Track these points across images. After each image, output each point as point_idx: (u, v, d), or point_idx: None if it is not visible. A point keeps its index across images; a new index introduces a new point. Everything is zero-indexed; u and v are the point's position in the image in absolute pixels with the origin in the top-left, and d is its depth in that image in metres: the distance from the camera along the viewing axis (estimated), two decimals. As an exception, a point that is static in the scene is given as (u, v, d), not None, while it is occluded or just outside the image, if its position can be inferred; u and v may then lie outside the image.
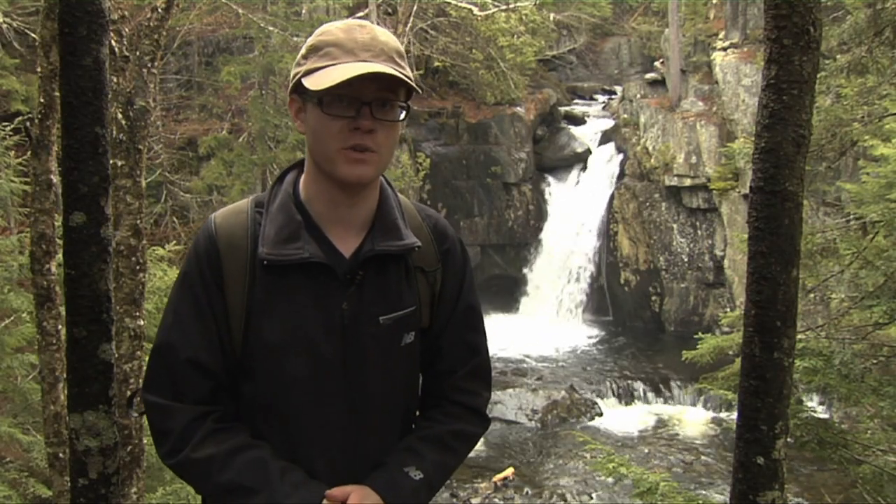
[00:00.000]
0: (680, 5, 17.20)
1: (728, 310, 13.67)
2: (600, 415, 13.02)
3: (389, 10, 17.39)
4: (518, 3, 17.11)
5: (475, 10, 16.91)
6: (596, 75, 22.89)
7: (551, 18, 19.92)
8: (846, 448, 4.44)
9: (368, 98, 1.43)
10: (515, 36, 17.89)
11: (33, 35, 10.54)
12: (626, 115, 18.13)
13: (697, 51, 17.30)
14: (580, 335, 16.56)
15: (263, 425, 1.52)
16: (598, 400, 13.40)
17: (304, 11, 15.99)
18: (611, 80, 22.21)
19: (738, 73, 15.58)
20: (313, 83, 1.43)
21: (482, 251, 18.00)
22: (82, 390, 1.66)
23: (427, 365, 1.66)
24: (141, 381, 3.78)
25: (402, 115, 1.50)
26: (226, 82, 15.68)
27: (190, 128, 16.83)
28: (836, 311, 5.56)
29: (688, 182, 16.24)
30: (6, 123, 7.79)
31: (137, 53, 4.15)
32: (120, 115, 4.06)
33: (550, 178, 18.43)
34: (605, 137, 18.41)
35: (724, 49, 16.16)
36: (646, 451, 11.64)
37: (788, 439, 1.86)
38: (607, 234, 17.34)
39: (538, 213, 18.18)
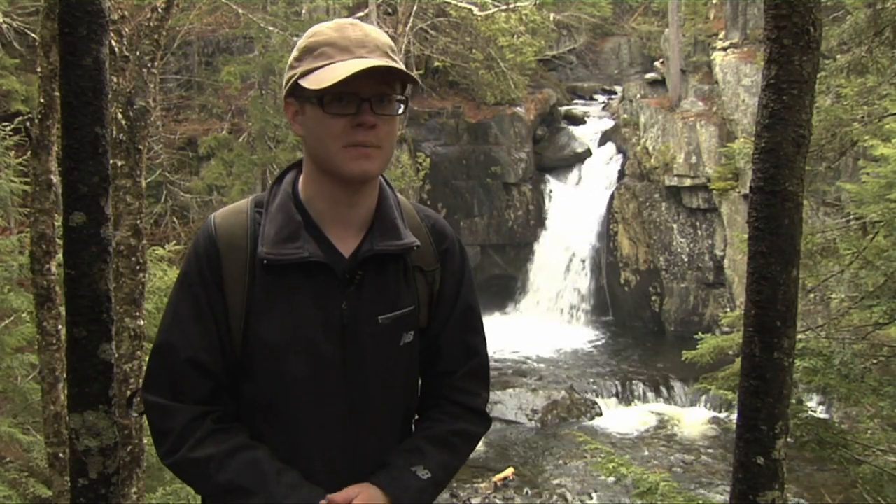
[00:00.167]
0: (680, 5, 17.20)
1: (728, 310, 13.67)
2: (600, 415, 13.02)
3: (389, 10, 17.39)
4: (518, 3, 17.11)
5: (475, 10, 16.92)
6: (596, 75, 22.88)
7: (551, 18, 19.92)
8: (846, 448, 4.44)
9: (368, 94, 1.44)
10: (515, 36, 17.89)
11: (33, 35, 10.54)
12: (626, 115, 18.13)
13: (697, 51, 17.30)
14: (580, 335, 16.56)
15: (263, 425, 1.52)
16: (598, 400, 13.40)
17: (304, 11, 15.99)
18: (611, 80, 22.21)
19: (738, 73, 15.58)
20: (313, 83, 1.43)
21: (482, 251, 18.00)
22: (82, 390, 1.66)
23: (426, 365, 1.66)
24: (141, 381, 3.78)
25: (401, 109, 1.50)
26: (226, 82, 15.68)
27: (190, 128, 16.83)
28: (836, 311, 5.56)
29: (688, 182, 16.24)
30: (6, 123, 7.79)
31: (137, 53, 4.15)
32: (120, 115, 4.06)
33: (550, 179, 18.42)
34: (605, 137, 18.41)
35: (724, 49, 16.15)
36: (646, 451, 11.64)
37: (788, 439, 1.86)
38: (607, 234, 17.34)
39: (538, 214, 18.18)
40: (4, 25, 12.28)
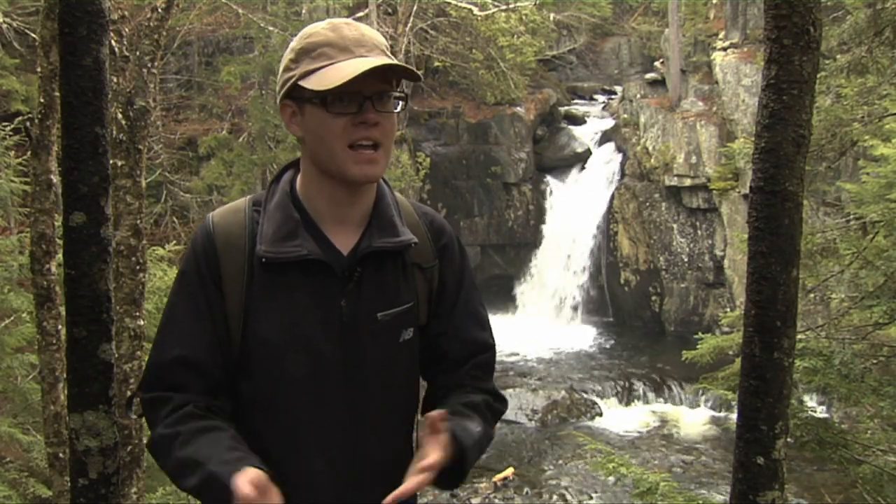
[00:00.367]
0: (680, 5, 17.20)
1: (728, 310, 13.67)
2: (600, 415, 13.02)
3: (389, 10, 17.40)
4: (518, 3, 17.11)
5: (475, 10, 16.92)
6: (596, 75, 22.88)
7: (551, 18, 19.92)
8: (846, 448, 4.44)
9: (369, 92, 1.44)
10: (515, 36, 17.89)
11: (33, 35, 10.53)
12: (626, 115, 18.13)
13: (697, 51, 17.30)
14: (580, 335, 16.56)
15: (262, 424, 1.52)
16: (598, 400, 13.40)
17: (304, 11, 15.98)
18: (611, 80, 22.21)
19: (738, 73, 15.58)
20: (317, 84, 1.43)
21: (482, 251, 18.01)
22: (82, 390, 1.66)
23: (433, 363, 1.66)
24: (141, 381, 3.77)
25: (400, 106, 1.51)
26: (226, 82, 15.69)
27: (190, 128, 16.84)
28: (836, 311, 5.56)
29: (688, 182, 16.24)
30: (6, 123, 7.80)
31: (137, 53, 4.15)
32: (120, 115, 4.07)
33: (550, 178, 18.42)
34: (605, 137, 18.41)
35: (724, 49, 16.15)
36: (646, 451, 11.65)
37: (788, 439, 1.86)
38: (607, 234, 17.35)
39: (538, 213, 18.18)
40: (4, 25, 12.28)
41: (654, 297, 16.89)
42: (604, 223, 17.35)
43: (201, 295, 1.50)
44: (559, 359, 15.33)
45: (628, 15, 23.63)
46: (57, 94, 3.07)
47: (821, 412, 9.46)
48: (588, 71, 23.15)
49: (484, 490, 10.43)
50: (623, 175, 17.45)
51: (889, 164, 5.26)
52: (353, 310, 1.52)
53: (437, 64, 18.32)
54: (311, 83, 1.44)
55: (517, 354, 15.18)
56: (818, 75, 1.86)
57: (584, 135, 18.69)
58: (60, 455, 4.32)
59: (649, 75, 18.63)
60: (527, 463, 11.36)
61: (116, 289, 3.92)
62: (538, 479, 10.86)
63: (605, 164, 17.97)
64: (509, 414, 12.65)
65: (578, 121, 19.40)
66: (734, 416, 1.93)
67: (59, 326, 4.35)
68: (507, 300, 17.68)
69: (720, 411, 12.67)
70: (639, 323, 17.09)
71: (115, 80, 4.05)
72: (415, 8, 16.33)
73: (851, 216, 5.81)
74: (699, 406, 13.11)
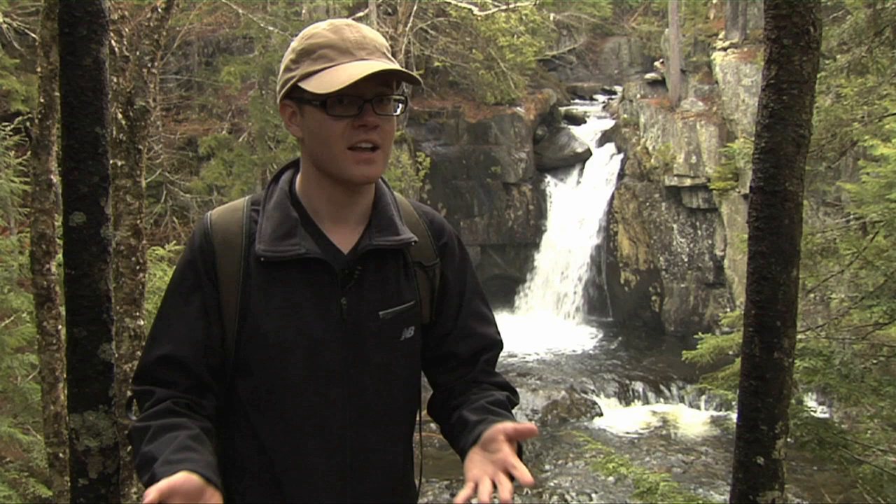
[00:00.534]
0: (680, 5, 17.20)
1: (728, 310, 13.68)
2: (600, 415, 13.02)
3: (389, 10, 17.40)
4: (518, 3, 17.11)
5: (475, 10, 16.92)
6: (596, 75, 22.87)
7: (551, 18, 19.92)
8: (846, 448, 4.44)
9: (369, 95, 1.45)
10: (515, 36, 17.89)
11: (33, 35, 10.54)
12: (626, 115, 18.13)
13: (697, 51, 17.30)
14: (580, 335, 16.56)
15: (261, 423, 1.52)
16: (598, 400, 13.39)
17: (304, 11, 15.97)
18: (611, 80, 22.20)
19: (738, 73, 15.58)
20: (318, 86, 1.43)
21: (482, 251, 18.00)
22: (82, 390, 1.66)
23: (439, 362, 1.66)
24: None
25: (400, 109, 1.51)
26: (226, 82, 15.68)
27: (190, 128, 16.84)
28: (836, 311, 5.56)
29: (688, 182, 16.24)
30: (6, 123, 7.81)
31: (137, 53, 4.15)
32: (120, 115, 4.07)
33: (550, 178, 18.42)
34: (605, 137, 18.41)
35: (724, 49, 16.15)
36: (646, 451, 11.64)
37: (788, 439, 1.86)
38: (607, 234, 17.34)
39: (538, 214, 18.18)
40: (4, 25, 12.28)
41: (654, 297, 16.88)
42: (604, 223, 17.35)
43: (196, 293, 1.51)
44: (559, 359, 15.32)
45: (628, 15, 23.63)
46: (57, 94, 3.07)
47: (821, 412, 9.47)
48: (588, 71, 23.14)
49: (484, 490, 10.40)
50: (623, 175, 17.45)
51: (889, 164, 5.26)
52: (354, 308, 1.52)
53: (436, 64, 18.31)
54: (312, 86, 1.44)
55: (517, 354, 15.17)
56: (818, 75, 1.87)
57: (584, 135, 18.68)
58: (60, 455, 4.33)
59: (649, 75, 18.63)
60: (527, 463, 11.30)
61: (116, 289, 3.92)
62: (538, 479, 10.85)
63: (604, 164, 17.97)
64: (509, 414, 12.64)
65: (578, 121, 19.39)
66: (734, 416, 1.93)
67: (59, 326, 4.35)
68: (507, 300, 17.67)
69: (720, 411, 12.66)
70: (639, 323, 17.09)
71: (115, 80, 4.05)
72: (415, 8, 16.33)
73: (851, 216, 5.81)
74: (699, 406, 13.10)
